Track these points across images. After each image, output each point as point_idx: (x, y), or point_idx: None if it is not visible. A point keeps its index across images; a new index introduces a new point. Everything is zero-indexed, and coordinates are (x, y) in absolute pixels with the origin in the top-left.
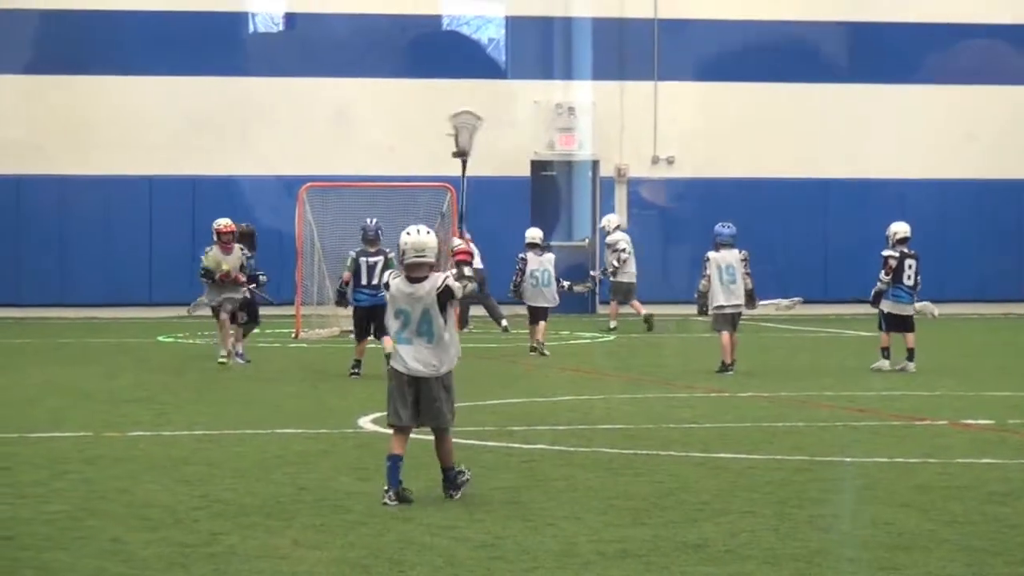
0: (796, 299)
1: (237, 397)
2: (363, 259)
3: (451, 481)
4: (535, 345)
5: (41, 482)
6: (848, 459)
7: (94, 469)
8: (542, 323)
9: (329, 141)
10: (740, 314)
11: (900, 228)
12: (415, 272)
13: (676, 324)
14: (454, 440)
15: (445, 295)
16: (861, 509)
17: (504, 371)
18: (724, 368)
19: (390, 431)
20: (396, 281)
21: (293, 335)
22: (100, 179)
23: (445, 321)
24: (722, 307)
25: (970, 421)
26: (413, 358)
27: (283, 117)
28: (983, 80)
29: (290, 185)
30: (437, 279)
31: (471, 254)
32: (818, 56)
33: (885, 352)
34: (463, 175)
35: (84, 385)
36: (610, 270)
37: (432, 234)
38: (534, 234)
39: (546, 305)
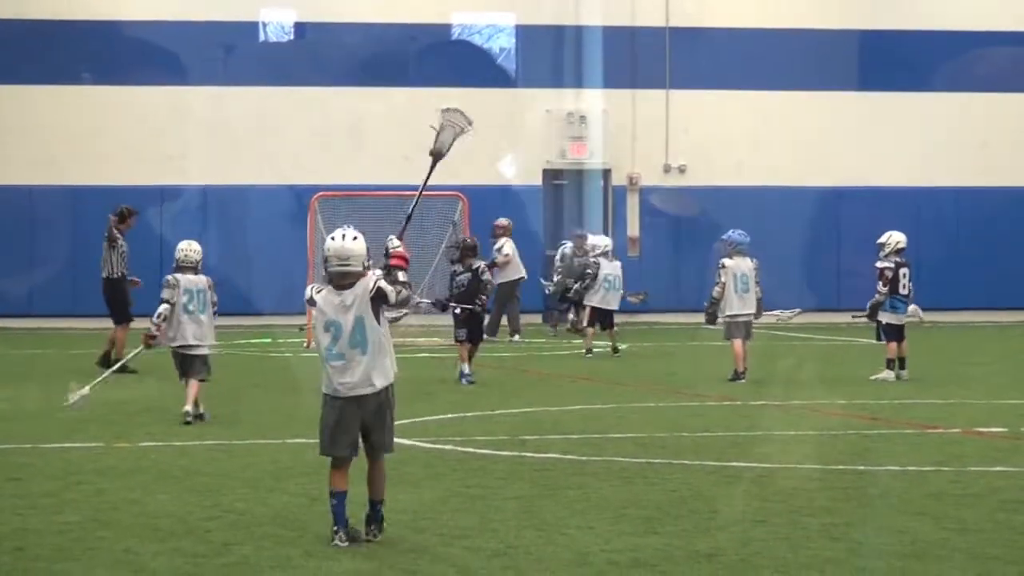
0: (796, 309)
1: (248, 407)
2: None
3: (378, 517)
4: (593, 349)
5: (52, 493)
6: (861, 467)
7: (106, 480)
8: (612, 329)
9: (341, 151)
10: (751, 323)
11: (900, 238)
12: (341, 280)
13: (687, 333)
14: (468, 449)
15: (378, 298)
16: (874, 517)
17: (515, 380)
18: (736, 376)
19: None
20: (321, 295)
21: (305, 344)
22: (112, 189)
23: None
24: (735, 315)
25: (983, 429)
26: (348, 375)
27: (295, 127)
28: (997, 88)
29: (302, 195)
30: (368, 282)
31: (406, 259)
32: (831, 64)
33: (891, 363)
34: (427, 177)
35: (95, 396)
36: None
37: (360, 240)
38: (606, 241)
39: (614, 309)
